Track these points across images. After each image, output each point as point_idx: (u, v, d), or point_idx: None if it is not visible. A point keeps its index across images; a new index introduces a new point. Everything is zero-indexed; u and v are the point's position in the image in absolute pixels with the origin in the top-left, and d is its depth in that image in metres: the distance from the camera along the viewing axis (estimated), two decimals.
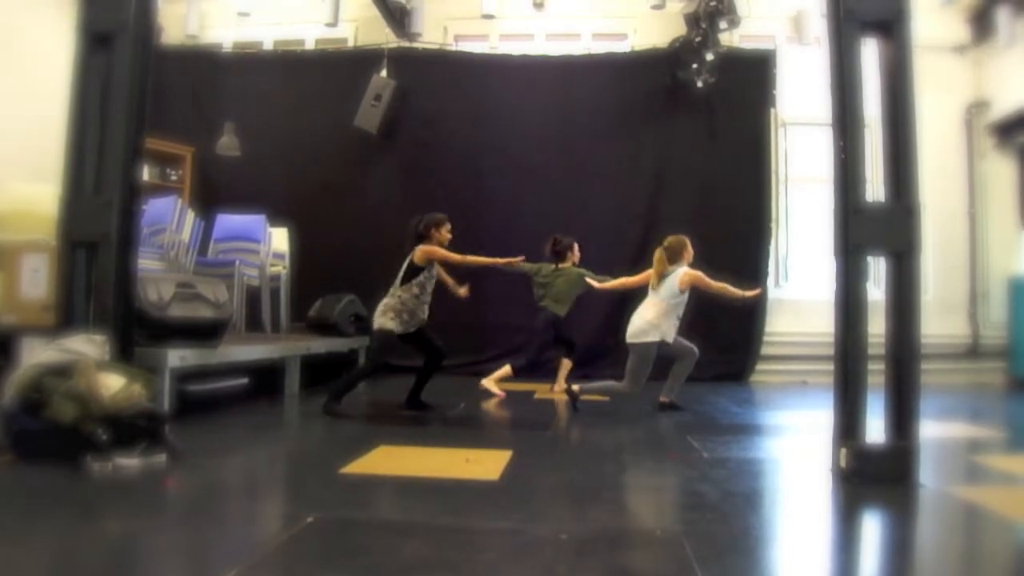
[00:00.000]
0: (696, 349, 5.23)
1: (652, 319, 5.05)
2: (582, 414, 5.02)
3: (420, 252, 4.73)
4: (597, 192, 7.80)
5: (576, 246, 6.45)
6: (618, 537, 2.26)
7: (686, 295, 5.14)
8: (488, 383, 6.05)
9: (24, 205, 4.62)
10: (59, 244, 3.64)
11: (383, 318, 4.72)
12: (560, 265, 6.39)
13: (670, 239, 5.30)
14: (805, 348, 7.28)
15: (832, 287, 3.22)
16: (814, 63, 7.19)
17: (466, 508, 2.57)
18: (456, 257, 4.78)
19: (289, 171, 7.88)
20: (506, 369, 6.11)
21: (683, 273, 5.10)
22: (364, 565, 1.95)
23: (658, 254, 5.22)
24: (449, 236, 4.88)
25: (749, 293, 5.29)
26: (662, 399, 5.21)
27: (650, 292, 5.20)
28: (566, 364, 6.46)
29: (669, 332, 5.07)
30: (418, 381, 4.96)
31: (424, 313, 4.81)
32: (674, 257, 5.19)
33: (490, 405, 5.54)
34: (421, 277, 4.75)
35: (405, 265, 4.79)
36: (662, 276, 5.15)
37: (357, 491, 2.78)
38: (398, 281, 4.77)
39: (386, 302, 4.76)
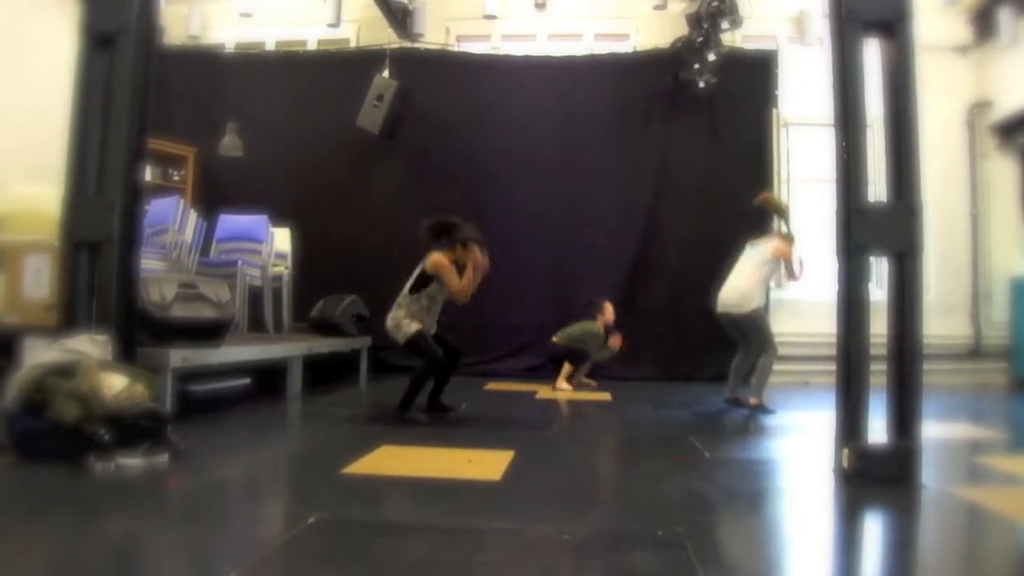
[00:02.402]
0: (775, 347, 5.24)
1: (746, 288, 5.11)
2: (583, 415, 5.01)
3: (432, 261, 4.49)
4: (599, 192, 7.81)
5: (609, 307, 6.68)
6: (620, 538, 2.26)
7: (776, 263, 5.22)
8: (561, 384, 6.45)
9: (27, 206, 4.63)
10: (61, 245, 3.65)
11: (404, 330, 4.48)
12: (594, 326, 6.59)
13: (771, 196, 5.46)
14: (807, 348, 7.27)
15: (834, 287, 3.22)
16: (816, 63, 7.19)
17: (468, 508, 2.57)
18: (457, 285, 4.49)
19: (291, 171, 7.88)
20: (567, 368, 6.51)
21: (776, 244, 5.21)
22: (366, 565, 1.95)
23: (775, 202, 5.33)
24: (485, 263, 4.57)
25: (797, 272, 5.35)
26: (752, 400, 5.18)
27: (744, 253, 5.25)
28: (566, 365, 6.54)
29: (761, 302, 5.15)
30: (437, 383, 4.78)
31: (433, 327, 4.65)
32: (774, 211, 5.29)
33: (496, 405, 5.54)
34: (431, 288, 4.53)
35: (417, 272, 4.56)
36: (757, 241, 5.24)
37: (359, 491, 2.78)
38: (406, 289, 4.56)
39: (395, 315, 4.54)
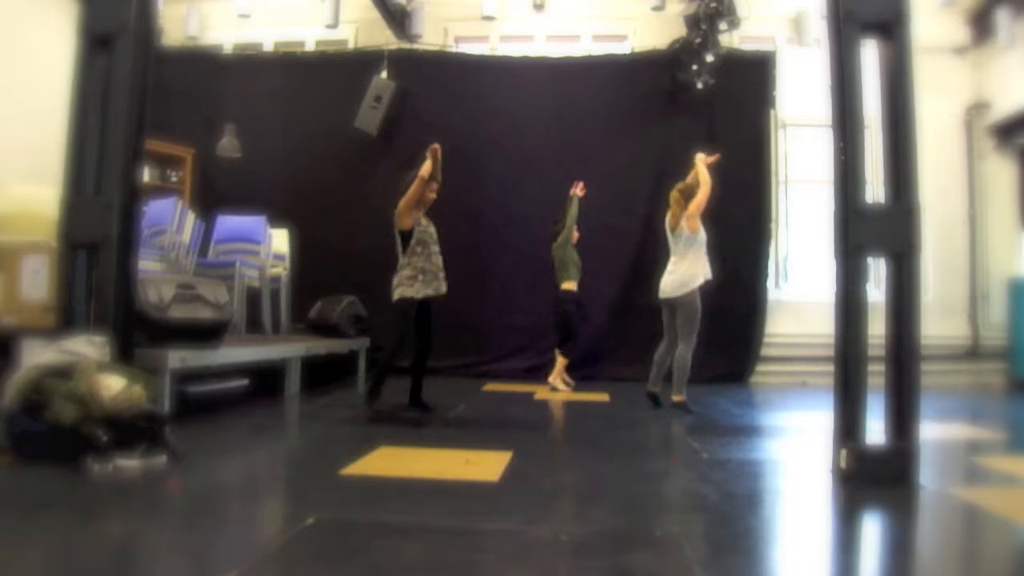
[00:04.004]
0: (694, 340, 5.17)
1: (685, 269, 5.10)
2: (581, 416, 5.01)
3: (397, 220, 4.73)
4: (597, 193, 7.78)
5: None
6: (618, 538, 2.26)
7: (701, 232, 5.17)
8: (554, 381, 6.52)
9: (25, 206, 4.62)
10: (60, 245, 3.64)
11: (401, 288, 4.70)
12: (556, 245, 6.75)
13: (686, 182, 5.34)
14: (805, 349, 7.28)
15: (832, 288, 3.22)
16: (814, 64, 7.19)
17: (466, 509, 2.57)
18: (414, 189, 4.68)
19: (289, 172, 7.88)
20: (562, 362, 6.58)
21: (684, 219, 5.17)
22: (364, 566, 1.95)
23: (675, 195, 5.28)
24: (433, 196, 4.84)
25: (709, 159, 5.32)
26: (675, 398, 5.11)
27: (672, 248, 5.25)
28: (561, 360, 6.56)
29: (705, 270, 5.12)
30: (415, 378, 4.90)
31: (440, 271, 4.76)
32: (689, 198, 5.22)
33: (494, 406, 5.54)
34: (416, 235, 4.72)
35: (397, 236, 4.77)
36: (676, 227, 5.21)
37: (357, 492, 2.78)
38: (400, 252, 4.76)
39: (400, 274, 4.74)
